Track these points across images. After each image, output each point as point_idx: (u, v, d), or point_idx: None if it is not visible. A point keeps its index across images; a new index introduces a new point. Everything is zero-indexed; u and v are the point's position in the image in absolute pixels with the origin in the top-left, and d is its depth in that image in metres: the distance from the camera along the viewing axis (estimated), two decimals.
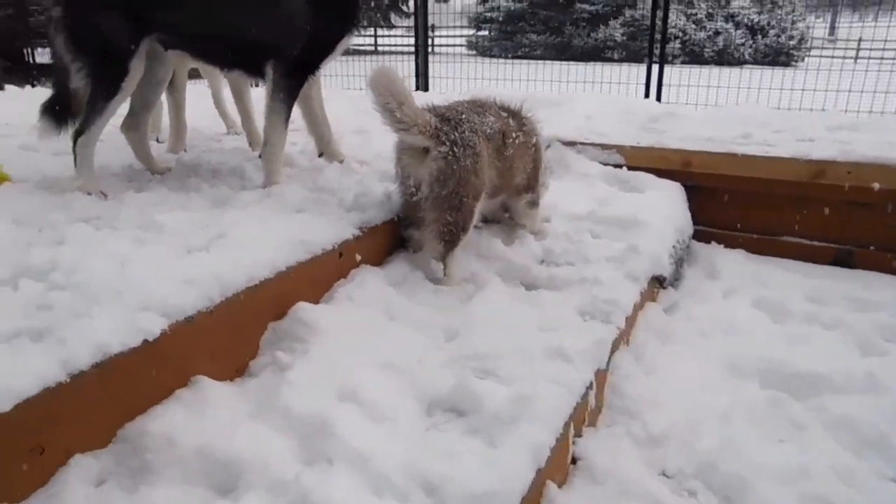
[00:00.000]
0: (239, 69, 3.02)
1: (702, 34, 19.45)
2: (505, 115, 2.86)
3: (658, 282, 3.07)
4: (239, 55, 2.91)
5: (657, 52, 6.69)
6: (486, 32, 22.84)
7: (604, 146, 3.99)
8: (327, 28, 2.81)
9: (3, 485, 1.40)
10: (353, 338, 2.09)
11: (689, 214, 3.65)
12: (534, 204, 3.09)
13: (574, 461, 2.07)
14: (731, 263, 3.59)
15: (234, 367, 1.98)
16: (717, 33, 19.40)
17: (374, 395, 1.88)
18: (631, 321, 2.63)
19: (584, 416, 2.09)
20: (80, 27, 2.65)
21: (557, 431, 1.82)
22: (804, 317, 3.08)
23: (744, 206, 3.72)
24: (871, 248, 3.50)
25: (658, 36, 6.88)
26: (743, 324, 3.00)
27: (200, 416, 1.73)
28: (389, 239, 2.66)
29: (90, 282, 1.80)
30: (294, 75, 2.87)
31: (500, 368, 2.11)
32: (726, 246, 3.74)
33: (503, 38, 22.11)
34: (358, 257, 2.47)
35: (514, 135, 2.83)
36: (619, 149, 3.96)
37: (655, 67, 6.60)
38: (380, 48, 21.26)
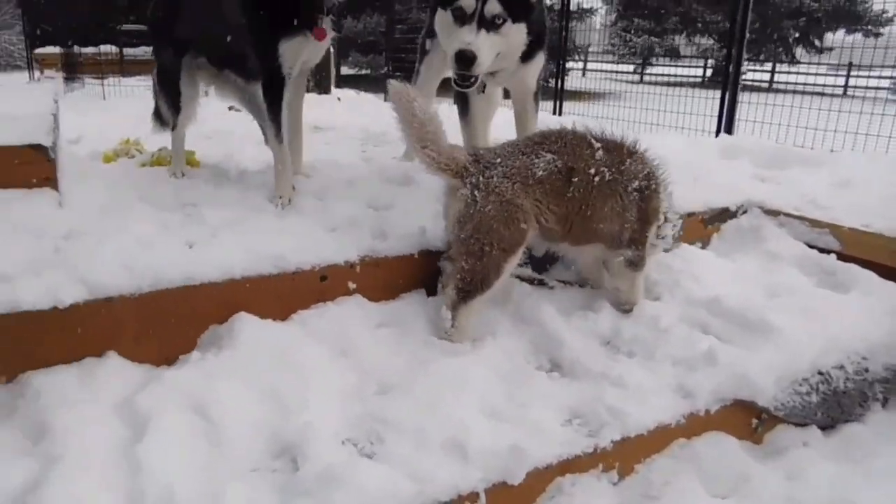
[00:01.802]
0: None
1: None
2: (589, 147, 2.36)
3: (760, 411, 2.18)
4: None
5: None
6: None
7: (814, 222, 2.97)
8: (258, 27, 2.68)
9: None
10: (262, 361, 2.01)
11: None
12: (634, 265, 2.49)
13: None
14: None
15: (163, 355, 2.08)
16: None
17: (222, 422, 1.81)
18: (642, 445, 1.95)
19: None
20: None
21: None
22: None
23: None
24: None
25: None
26: None
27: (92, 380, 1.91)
28: (406, 274, 2.45)
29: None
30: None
31: (389, 440, 1.83)
32: None
33: None
34: (352, 286, 2.35)
35: (593, 171, 2.33)
36: (834, 229, 2.90)
37: None
38: (776, 84, 18.72)
